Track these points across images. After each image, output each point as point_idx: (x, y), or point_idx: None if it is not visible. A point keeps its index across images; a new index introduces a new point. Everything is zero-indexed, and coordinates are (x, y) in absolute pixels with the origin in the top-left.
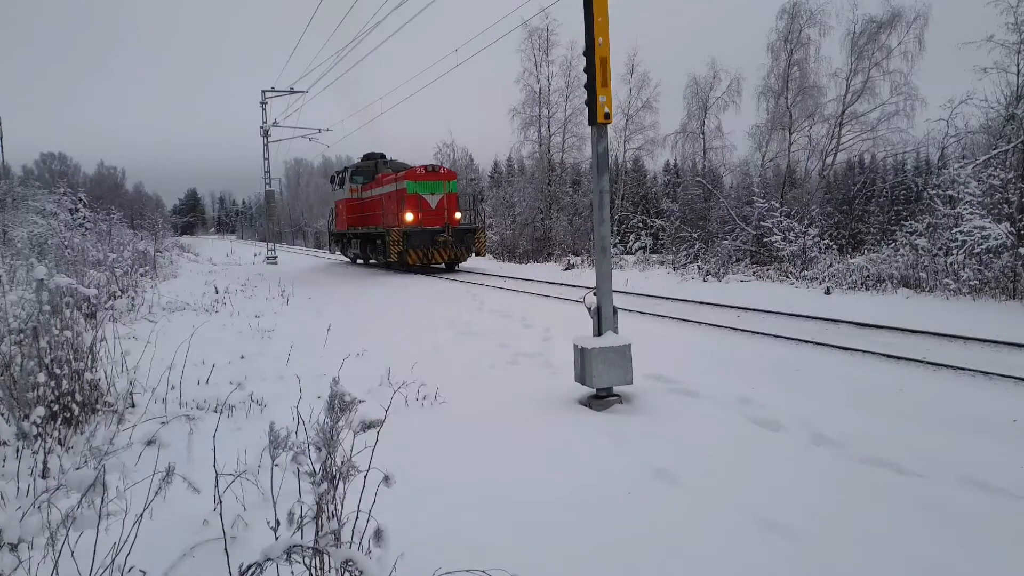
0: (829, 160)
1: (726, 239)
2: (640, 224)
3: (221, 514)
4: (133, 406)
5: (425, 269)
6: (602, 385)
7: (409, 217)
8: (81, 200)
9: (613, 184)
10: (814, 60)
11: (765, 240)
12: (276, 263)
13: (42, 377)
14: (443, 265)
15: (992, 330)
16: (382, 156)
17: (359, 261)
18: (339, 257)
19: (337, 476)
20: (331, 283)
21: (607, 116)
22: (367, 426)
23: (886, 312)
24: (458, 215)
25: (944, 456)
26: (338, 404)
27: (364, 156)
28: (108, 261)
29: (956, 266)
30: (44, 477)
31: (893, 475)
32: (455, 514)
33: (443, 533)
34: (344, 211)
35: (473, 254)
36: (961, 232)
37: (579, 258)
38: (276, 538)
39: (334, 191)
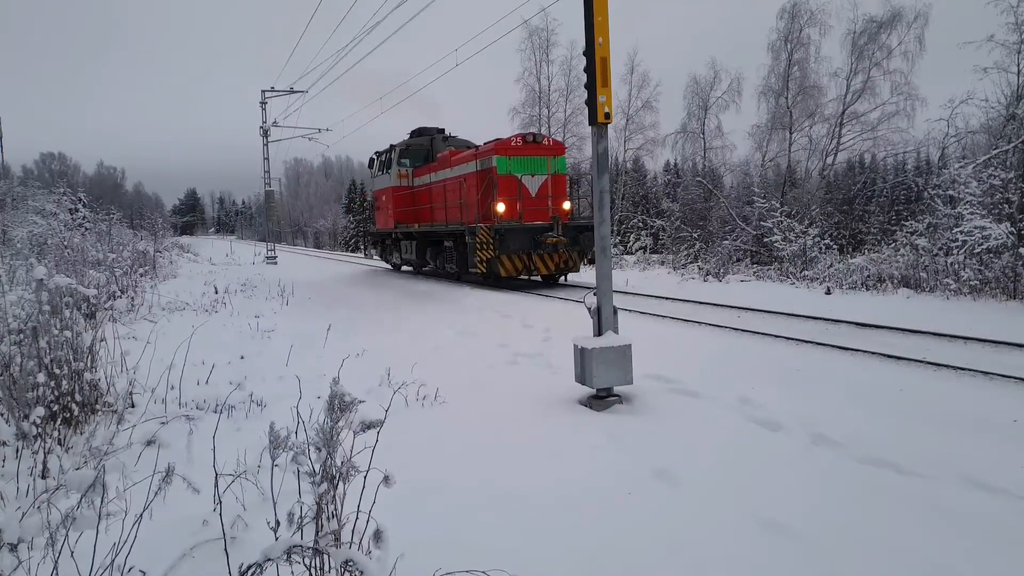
0: (829, 160)
1: (726, 239)
2: (640, 224)
3: (221, 514)
4: (133, 406)
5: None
6: (602, 385)
7: (501, 209)
8: (81, 200)
9: (613, 184)
10: (814, 60)
11: (765, 240)
12: (276, 263)
13: (42, 377)
14: (539, 277)
15: (992, 330)
16: (440, 131)
17: (404, 268)
18: (378, 263)
19: (337, 476)
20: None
21: (607, 116)
22: (367, 426)
23: (886, 312)
24: (567, 205)
25: (945, 456)
26: (338, 404)
27: (414, 132)
28: (108, 261)
29: (956, 266)
30: (44, 477)
31: (893, 475)
32: (455, 514)
33: (443, 533)
34: (389, 203)
35: (585, 261)
36: (961, 232)
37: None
38: (276, 538)
39: (373, 178)
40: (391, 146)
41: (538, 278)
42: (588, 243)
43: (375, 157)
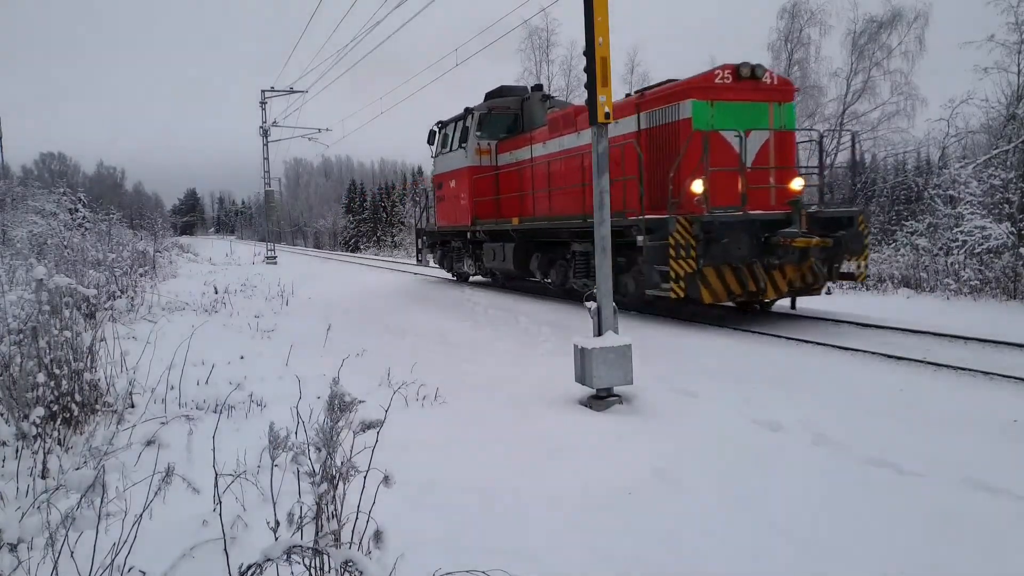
0: (830, 160)
1: None
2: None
3: (221, 514)
4: (133, 406)
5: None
6: (602, 385)
7: (699, 188)
8: (81, 200)
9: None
10: (815, 60)
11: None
12: (276, 263)
13: (41, 377)
14: (762, 300)
15: (993, 330)
16: (536, 88)
17: (474, 277)
18: (431, 272)
19: (337, 476)
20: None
21: (607, 116)
22: (367, 426)
23: (887, 312)
24: (798, 184)
25: (945, 456)
26: (338, 404)
27: (491, 94)
28: (107, 261)
29: (957, 266)
30: (44, 477)
31: (894, 475)
32: (455, 514)
33: (443, 533)
34: (462, 191)
35: (857, 269)
36: (962, 232)
37: None
38: (276, 538)
39: (434, 158)
40: (466, 111)
41: (729, 303)
42: (854, 245)
43: (436, 129)
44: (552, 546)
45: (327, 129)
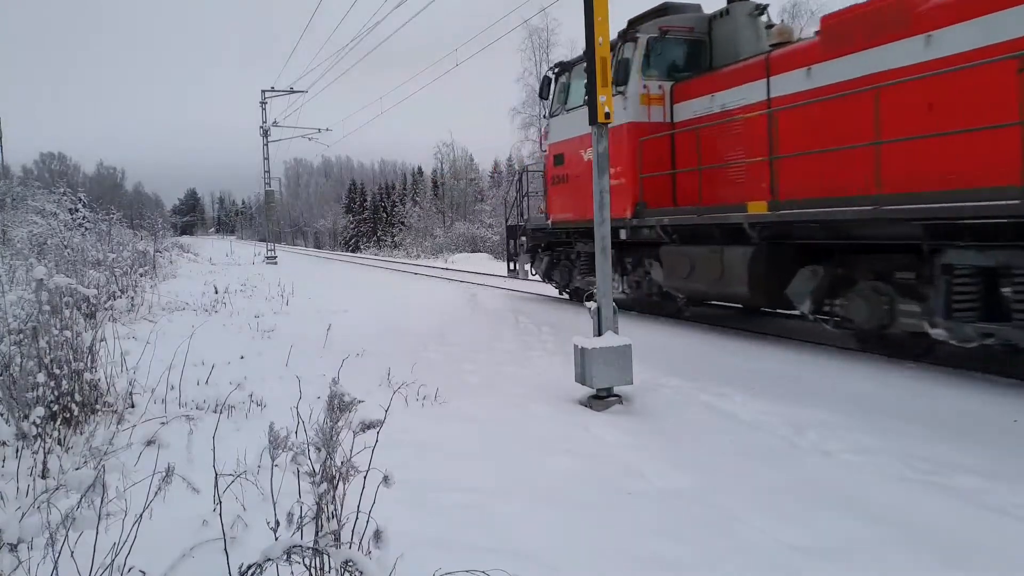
0: None
1: None
2: None
3: (221, 514)
4: (133, 406)
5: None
6: (602, 385)
7: None
8: (81, 200)
9: None
10: None
11: None
12: (276, 263)
13: (41, 377)
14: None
15: None
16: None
17: (588, 299)
18: (521, 287)
19: (337, 476)
20: None
21: (607, 116)
22: (367, 426)
23: None
24: None
25: (946, 456)
26: (338, 404)
27: (635, 20)
28: (108, 261)
29: None
30: (44, 477)
31: (894, 475)
32: (454, 514)
33: (443, 533)
34: (619, 162)
35: None
36: None
37: None
38: (276, 538)
39: (551, 118)
40: (623, 34)
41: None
42: None
43: (552, 76)
44: (552, 545)
45: (327, 129)
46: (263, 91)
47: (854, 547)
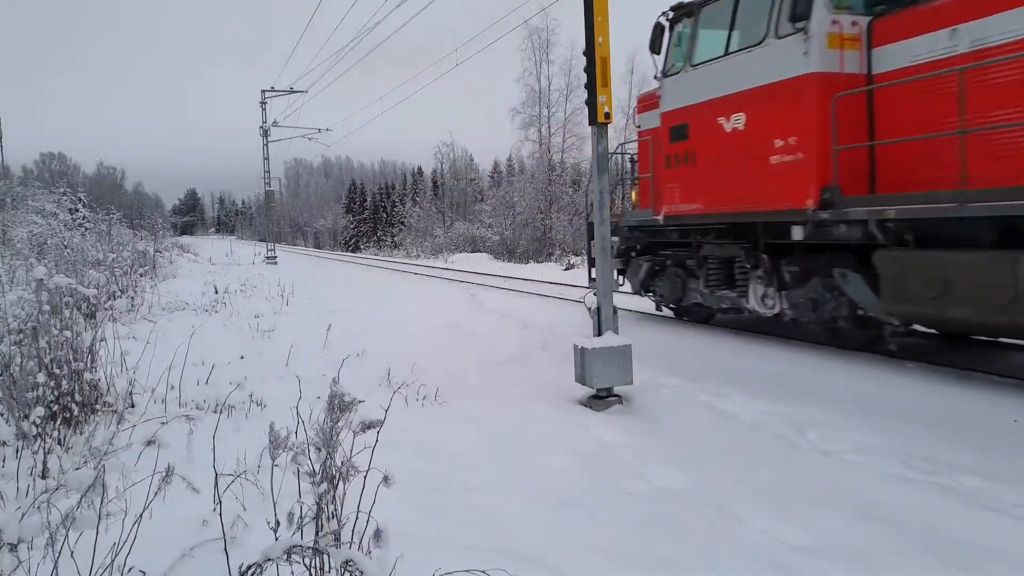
0: None
1: None
2: None
3: (221, 514)
4: (133, 406)
5: None
6: (602, 385)
7: None
8: (81, 200)
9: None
10: None
11: None
12: (276, 263)
13: (41, 377)
14: None
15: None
16: None
17: (716, 313)
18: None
19: (337, 476)
20: None
21: (607, 116)
22: (367, 426)
23: None
24: None
25: (946, 456)
26: (338, 404)
27: None
28: (108, 261)
29: None
30: (44, 477)
31: (895, 475)
32: (454, 514)
33: (443, 533)
34: (792, 129)
35: None
36: None
37: (579, 258)
38: (276, 538)
39: (665, 77)
40: None
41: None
42: None
43: (666, 23)
44: (552, 545)
45: (327, 129)
46: (263, 91)
47: (854, 547)
